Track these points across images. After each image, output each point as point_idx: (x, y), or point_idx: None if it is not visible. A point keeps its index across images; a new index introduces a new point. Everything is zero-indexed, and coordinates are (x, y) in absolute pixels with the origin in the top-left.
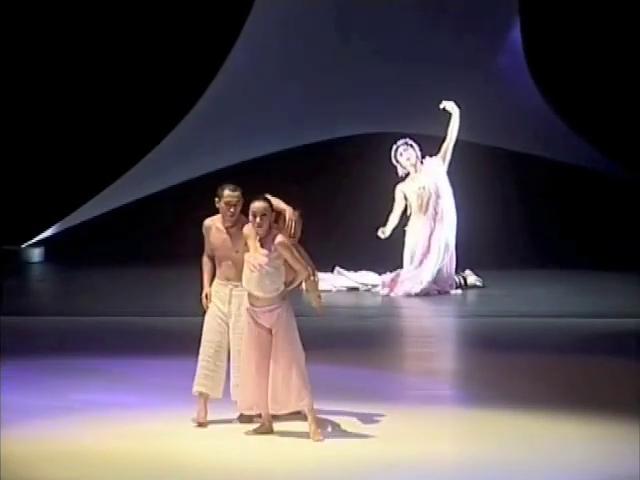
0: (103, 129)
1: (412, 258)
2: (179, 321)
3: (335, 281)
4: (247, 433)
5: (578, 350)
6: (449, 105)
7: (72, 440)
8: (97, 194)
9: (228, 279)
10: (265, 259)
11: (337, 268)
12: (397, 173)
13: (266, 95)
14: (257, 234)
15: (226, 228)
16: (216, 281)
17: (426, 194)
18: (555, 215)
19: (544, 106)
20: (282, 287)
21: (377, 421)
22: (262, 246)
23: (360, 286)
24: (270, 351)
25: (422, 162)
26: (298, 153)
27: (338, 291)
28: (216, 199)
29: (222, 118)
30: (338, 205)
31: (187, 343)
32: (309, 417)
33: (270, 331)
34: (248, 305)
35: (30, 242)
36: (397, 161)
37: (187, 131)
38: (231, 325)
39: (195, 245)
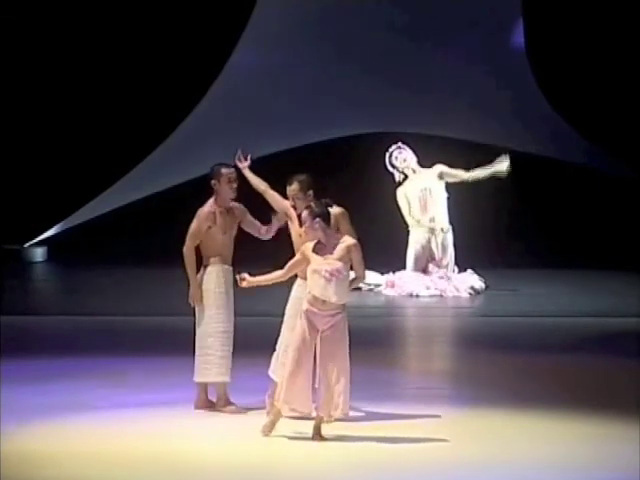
0: (106, 129)
1: (415, 259)
2: (184, 320)
3: None
4: (265, 433)
5: (580, 349)
6: (505, 165)
7: (73, 439)
8: (100, 194)
9: (228, 263)
10: (340, 264)
11: None
12: (394, 180)
13: (268, 94)
14: (317, 241)
15: (226, 209)
16: (219, 267)
17: (427, 195)
18: (556, 215)
19: (548, 107)
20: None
21: (379, 419)
22: (319, 253)
23: (363, 286)
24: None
25: (419, 164)
26: (301, 152)
27: None
28: (213, 182)
29: (224, 118)
30: (341, 206)
31: (188, 341)
32: (324, 421)
33: (317, 333)
34: (307, 307)
35: (33, 242)
36: (393, 166)
37: (189, 131)
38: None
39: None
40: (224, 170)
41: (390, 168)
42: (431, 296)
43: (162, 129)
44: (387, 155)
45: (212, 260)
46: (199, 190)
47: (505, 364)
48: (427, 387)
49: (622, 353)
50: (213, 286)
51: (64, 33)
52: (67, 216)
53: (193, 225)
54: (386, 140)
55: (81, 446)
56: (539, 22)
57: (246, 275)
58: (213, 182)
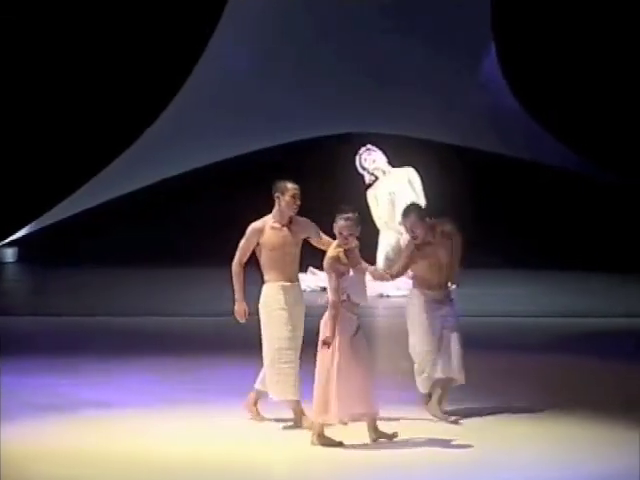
0: (76, 129)
1: (386, 260)
2: (157, 321)
3: (309, 281)
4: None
5: (555, 349)
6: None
7: (48, 440)
8: (70, 194)
9: (285, 279)
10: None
11: (310, 268)
12: (364, 182)
13: (243, 94)
14: (348, 247)
15: (283, 225)
16: (273, 284)
17: (395, 197)
18: (529, 215)
19: (518, 107)
20: None
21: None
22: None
23: (306, 286)
24: None
25: (390, 165)
26: (276, 152)
27: (312, 290)
28: (277, 194)
29: (197, 118)
30: (312, 208)
31: (161, 342)
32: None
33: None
34: (350, 316)
35: (3, 242)
36: (363, 168)
37: (159, 132)
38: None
39: (166, 243)
40: (290, 185)
41: (360, 170)
42: (402, 296)
43: (133, 129)
44: (357, 157)
45: (267, 277)
46: (171, 190)
47: (482, 363)
48: (399, 387)
49: (601, 353)
50: (266, 304)
51: (31, 34)
52: (38, 216)
53: (242, 240)
54: (355, 141)
55: (58, 446)
56: (509, 23)
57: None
58: (277, 195)
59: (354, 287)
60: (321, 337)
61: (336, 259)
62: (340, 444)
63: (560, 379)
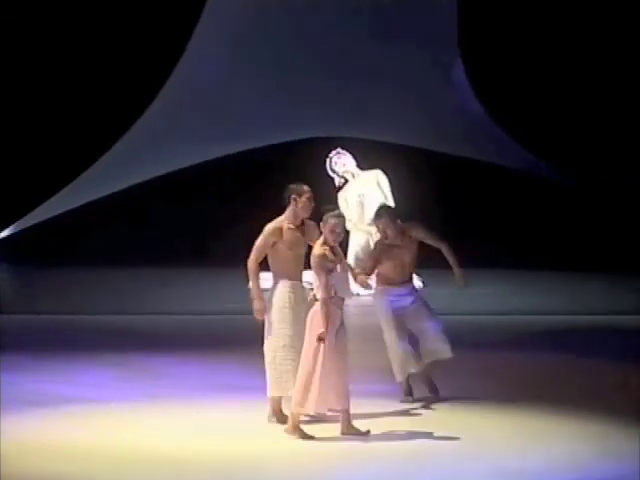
0: (57, 132)
1: (355, 260)
2: (138, 319)
3: None
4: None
5: (520, 346)
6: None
7: (32, 435)
8: (50, 197)
9: (295, 278)
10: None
11: None
12: (334, 185)
13: (215, 100)
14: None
15: (297, 226)
16: (285, 282)
17: (364, 199)
18: (494, 218)
19: (480, 110)
20: None
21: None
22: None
23: (307, 285)
24: None
25: (360, 168)
26: (248, 156)
27: None
28: (293, 196)
29: (173, 122)
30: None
31: (141, 339)
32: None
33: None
34: (337, 311)
35: None
36: (333, 171)
37: (138, 135)
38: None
39: (146, 244)
40: (306, 188)
41: (330, 173)
42: (371, 295)
43: (112, 133)
44: (327, 160)
45: (278, 275)
46: (154, 190)
47: (451, 360)
48: (368, 382)
49: (565, 349)
50: (277, 301)
51: (8, 36)
52: (19, 218)
53: (259, 239)
54: (321, 145)
55: (32, 440)
56: (475, 30)
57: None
58: (293, 197)
59: (340, 283)
60: (309, 331)
61: (324, 257)
62: (312, 437)
63: (525, 374)
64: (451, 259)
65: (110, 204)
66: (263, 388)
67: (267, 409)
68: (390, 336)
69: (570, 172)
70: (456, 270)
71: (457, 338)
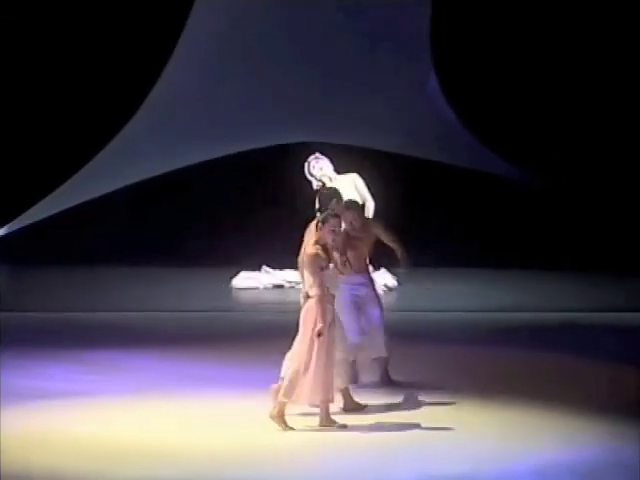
0: (51, 131)
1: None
2: (131, 316)
3: (262, 279)
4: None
5: (489, 342)
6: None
7: (18, 428)
8: (46, 196)
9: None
10: None
11: (264, 267)
12: (312, 188)
13: (200, 103)
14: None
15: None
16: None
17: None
18: (463, 219)
19: (449, 113)
20: None
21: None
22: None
23: (285, 283)
24: None
25: (337, 172)
26: (233, 161)
27: (265, 288)
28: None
29: (161, 126)
30: (269, 212)
31: (133, 336)
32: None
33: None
34: (330, 307)
35: None
36: (311, 175)
37: (132, 135)
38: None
39: (144, 243)
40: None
41: (308, 177)
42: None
43: (107, 132)
44: (305, 165)
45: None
46: (144, 193)
47: (417, 355)
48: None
49: (536, 345)
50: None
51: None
52: (15, 217)
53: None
54: (316, 149)
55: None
56: (446, 35)
57: None
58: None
59: (330, 280)
60: (303, 327)
61: (317, 256)
62: (291, 429)
63: (498, 370)
64: (399, 251)
65: (109, 201)
66: (243, 381)
67: (247, 402)
68: (345, 320)
69: (540, 174)
70: (399, 253)
71: (425, 333)
